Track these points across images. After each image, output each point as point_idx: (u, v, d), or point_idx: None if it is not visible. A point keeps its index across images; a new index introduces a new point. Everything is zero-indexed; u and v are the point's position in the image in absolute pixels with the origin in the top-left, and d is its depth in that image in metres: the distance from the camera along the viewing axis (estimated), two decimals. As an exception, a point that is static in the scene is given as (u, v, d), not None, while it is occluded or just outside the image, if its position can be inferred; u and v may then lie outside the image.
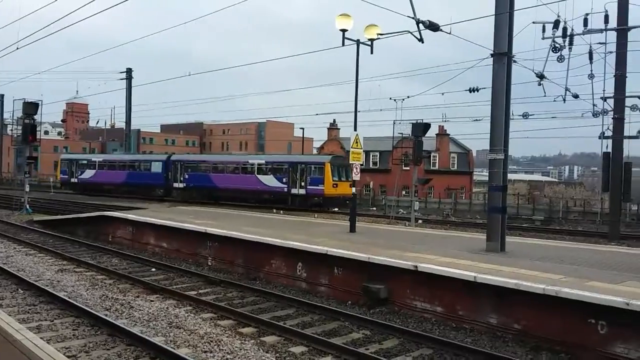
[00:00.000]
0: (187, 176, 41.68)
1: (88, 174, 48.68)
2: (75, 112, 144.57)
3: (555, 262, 11.58)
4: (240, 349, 8.33)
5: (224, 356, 8.01)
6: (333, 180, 35.25)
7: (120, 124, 74.69)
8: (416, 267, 10.62)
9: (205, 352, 8.20)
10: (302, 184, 35.90)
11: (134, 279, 13.40)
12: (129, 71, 55.24)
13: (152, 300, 11.47)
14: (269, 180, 37.70)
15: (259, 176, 38.30)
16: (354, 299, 11.67)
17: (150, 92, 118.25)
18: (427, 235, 17.74)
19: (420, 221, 28.50)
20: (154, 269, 15.26)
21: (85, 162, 49.93)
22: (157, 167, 43.50)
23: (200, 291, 12.53)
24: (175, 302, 11.35)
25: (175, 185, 42.29)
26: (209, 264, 15.87)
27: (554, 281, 9.20)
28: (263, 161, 39.71)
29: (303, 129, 65.31)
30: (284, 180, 36.86)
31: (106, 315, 9.94)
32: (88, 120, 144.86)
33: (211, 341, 8.69)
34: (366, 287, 11.32)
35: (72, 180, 49.71)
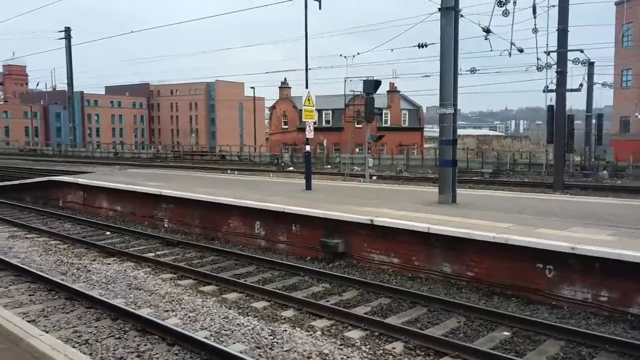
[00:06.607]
0: None
1: None
2: (13, 74, 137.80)
3: (504, 211, 12.03)
4: (203, 307, 8.40)
5: (186, 314, 8.07)
6: None
7: (62, 86, 71.63)
8: (372, 221, 10.85)
9: (167, 311, 8.23)
10: None
11: (88, 243, 13.19)
12: (67, 30, 52.83)
13: (109, 264, 11.36)
14: None
15: None
16: (312, 254, 11.87)
17: (91, 53, 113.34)
18: (382, 190, 18.04)
19: (374, 177, 28.90)
20: (108, 233, 15.03)
21: None
22: None
23: (158, 253, 12.47)
24: (134, 265, 11.28)
25: None
26: (165, 226, 15.73)
27: (503, 229, 9.60)
28: None
29: (254, 88, 64.54)
30: None
31: (62, 279, 9.79)
32: (27, 83, 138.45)
33: (172, 300, 8.72)
34: (324, 242, 11.50)
35: None
